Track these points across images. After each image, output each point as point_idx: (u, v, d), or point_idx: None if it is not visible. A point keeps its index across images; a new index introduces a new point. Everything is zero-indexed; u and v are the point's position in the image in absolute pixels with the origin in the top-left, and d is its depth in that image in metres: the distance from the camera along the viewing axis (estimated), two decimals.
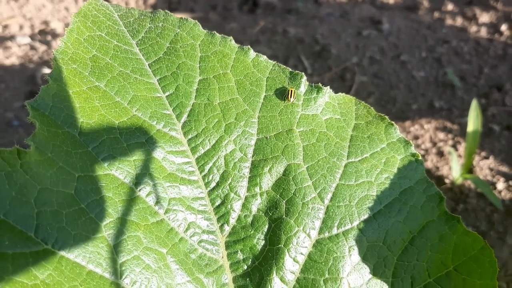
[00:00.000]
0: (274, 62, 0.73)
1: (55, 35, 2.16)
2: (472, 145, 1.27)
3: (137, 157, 0.61)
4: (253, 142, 0.67)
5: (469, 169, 1.35)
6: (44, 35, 2.17)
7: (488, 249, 0.66)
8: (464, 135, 1.41)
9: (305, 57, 1.75)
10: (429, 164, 1.41)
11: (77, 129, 0.59)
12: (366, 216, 0.65)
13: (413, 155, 0.70)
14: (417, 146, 1.46)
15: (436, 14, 1.98)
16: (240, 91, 0.70)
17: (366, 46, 1.78)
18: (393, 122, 0.73)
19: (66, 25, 2.26)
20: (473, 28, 1.87)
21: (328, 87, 0.72)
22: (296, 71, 0.72)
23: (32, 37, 2.15)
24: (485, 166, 1.40)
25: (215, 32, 0.73)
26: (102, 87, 0.64)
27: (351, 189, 0.66)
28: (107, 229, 0.56)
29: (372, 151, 0.69)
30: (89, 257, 0.53)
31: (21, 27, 2.24)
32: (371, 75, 1.66)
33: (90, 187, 0.57)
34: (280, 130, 0.68)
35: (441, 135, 1.49)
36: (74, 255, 0.53)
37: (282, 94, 0.71)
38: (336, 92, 0.74)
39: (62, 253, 0.52)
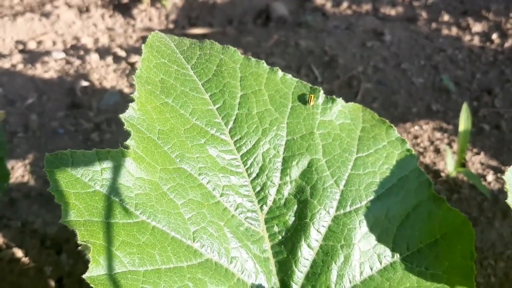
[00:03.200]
0: (297, 80, 0.93)
1: (86, 50, 2.37)
2: (463, 143, 1.47)
3: (199, 155, 0.82)
4: (283, 142, 0.88)
5: (461, 163, 1.54)
6: (77, 50, 2.38)
7: (467, 222, 0.86)
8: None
9: (315, 67, 1.95)
10: (427, 160, 1.60)
11: (156, 134, 0.79)
12: (372, 197, 0.85)
13: (408, 150, 0.90)
14: (417, 144, 1.66)
15: (434, 25, 2.18)
16: (272, 103, 0.90)
17: (370, 56, 1.98)
18: (392, 125, 0.93)
19: (96, 40, 2.47)
20: (467, 37, 2.07)
21: (341, 98, 0.92)
22: (315, 86, 0.93)
23: (65, 51, 2.36)
24: (476, 161, 1.60)
25: (250, 57, 0.94)
26: (170, 103, 0.84)
27: (360, 177, 0.86)
28: (182, 207, 0.76)
29: (375, 147, 0.89)
30: (172, 226, 0.74)
31: (54, 43, 2.45)
32: (375, 82, 1.87)
33: (168, 176, 0.77)
34: (304, 133, 0.88)
35: (437, 135, 1.68)
36: (162, 225, 0.73)
37: (305, 99, 0.91)
38: (344, 98, 0.94)
39: (154, 223, 0.73)
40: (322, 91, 0.91)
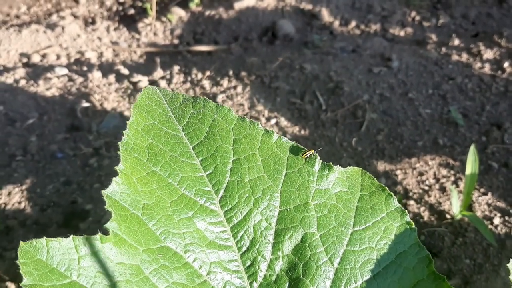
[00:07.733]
0: (293, 143, 0.89)
1: (90, 65, 2.33)
2: (470, 186, 1.42)
3: (185, 230, 0.78)
4: (276, 213, 0.84)
5: (468, 206, 1.49)
6: (80, 65, 2.34)
7: None
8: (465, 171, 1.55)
9: (320, 93, 1.90)
10: (432, 200, 1.55)
11: (140, 210, 0.76)
12: (367, 277, 0.81)
13: (408, 223, 0.85)
14: (422, 182, 1.60)
15: (443, 49, 2.11)
16: (266, 170, 0.86)
17: (376, 83, 1.92)
18: (391, 193, 0.88)
19: (99, 54, 2.44)
20: (477, 64, 2.00)
21: (338, 165, 0.88)
22: (311, 150, 0.88)
23: (68, 67, 2.33)
24: (483, 202, 1.54)
25: (245, 117, 0.89)
26: (157, 172, 0.80)
27: (356, 254, 0.82)
28: None
29: (374, 220, 0.85)
30: None
31: (58, 57, 2.42)
32: (380, 112, 1.81)
33: (151, 258, 0.73)
34: (299, 203, 0.84)
35: (444, 172, 1.63)
36: None
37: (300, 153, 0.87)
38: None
39: None
40: (319, 157, 0.87)
